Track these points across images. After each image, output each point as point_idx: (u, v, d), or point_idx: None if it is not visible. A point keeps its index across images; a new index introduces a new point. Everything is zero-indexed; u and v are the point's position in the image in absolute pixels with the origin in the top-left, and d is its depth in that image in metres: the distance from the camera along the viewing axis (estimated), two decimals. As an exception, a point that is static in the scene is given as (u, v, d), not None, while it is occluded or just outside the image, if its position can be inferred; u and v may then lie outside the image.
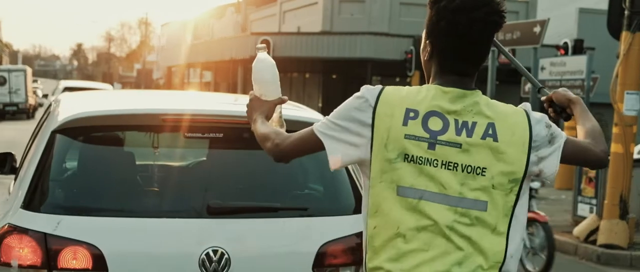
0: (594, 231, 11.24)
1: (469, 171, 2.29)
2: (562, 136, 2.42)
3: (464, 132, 2.32)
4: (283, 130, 2.65)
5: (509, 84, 33.14)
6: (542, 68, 15.79)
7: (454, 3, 2.34)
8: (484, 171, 2.29)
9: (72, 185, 4.01)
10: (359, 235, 3.03)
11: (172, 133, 4.01)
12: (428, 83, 2.52)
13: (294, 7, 42.94)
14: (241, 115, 3.25)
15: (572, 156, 2.46)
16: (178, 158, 4.44)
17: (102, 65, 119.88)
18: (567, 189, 17.39)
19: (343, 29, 35.89)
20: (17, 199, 3.73)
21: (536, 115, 2.43)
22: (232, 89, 43.01)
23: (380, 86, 2.48)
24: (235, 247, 3.63)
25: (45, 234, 3.47)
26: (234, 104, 4.55)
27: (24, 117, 40.13)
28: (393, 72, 35.08)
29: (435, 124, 2.32)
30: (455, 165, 2.30)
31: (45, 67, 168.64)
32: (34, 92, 50.52)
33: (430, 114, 2.34)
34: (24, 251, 3.47)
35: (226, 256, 3.59)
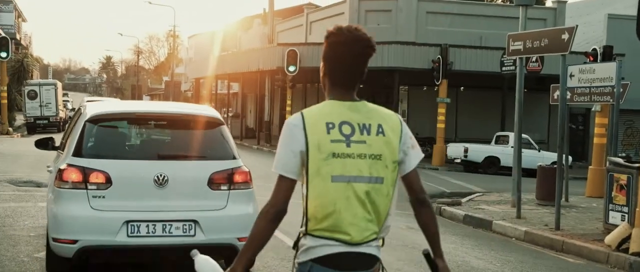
0: (626, 239, 11.12)
1: (372, 158, 3.36)
2: (420, 157, 3.53)
3: (365, 133, 3.38)
4: None
5: (537, 92, 32.97)
6: (571, 75, 15.66)
7: (340, 39, 3.40)
8: (381, 157, 3.37)
9: (95, 145, 7.85)
10: (234, 169, 7.81)
11: (141, 122, 8.38)
12: (325, 92, 3.53)
13: (320, 17, 43.02)
14: (174, 112, 8.42)
15: (413, 176, 3.53)
16: (144, 133, 8.66)
17: (130, 78, 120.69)
18: (598, 197, 17.23)
19: (370, 38, 35.85)
20: (68, 153, 7.72)
21: (404, 123, 3.53)
22: (260, 100, 43.14)
23: (300, 114, 3.38)
24: (170, 173, 7.56)
25: (83, 167, 7.38)
26: (172, 107, 9.40)
27: (54, 130, 40.45)
28: (420, 81, 35.03)
29: (346, 129, 3.36)
30: (365, 155, 3.35)
31: (75, 81, 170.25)
32: (64, 106, 51.06)
33: (342, 123, 3.37)
34: (73, 175, 7.36)
35: (166, 177, 7.52)
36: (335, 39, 3.42)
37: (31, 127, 41.52)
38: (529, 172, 20.97)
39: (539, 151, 28.94)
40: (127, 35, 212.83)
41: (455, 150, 30.30)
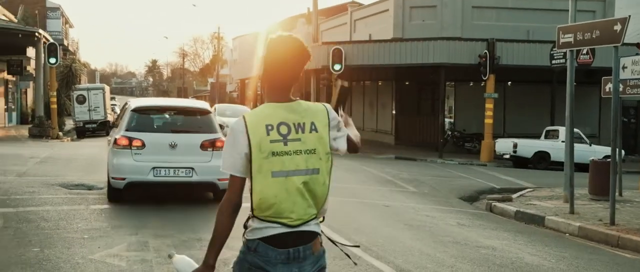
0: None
1: (307, 152, 3.77)
2: (345, 134, 3.97)
3: (300, 131, 3.78)
4: None
5: (587, 85, 32.50)
6: (624, 67, 15.37)
7: (276, 47, 3.83)
8: (315, 151, 3.79)
9: (135, 124, 13.28)
10: (216, 139, 13.26)
11: (161, 111, 14.31)
12: (264, 94, 4.00)
13: (364, 15, 42.91)
14: (181, 105, 15.02)
15: (348, 144, 3.98)
16: (163, 117, 14.13)
17: (176, 81, 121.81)
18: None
19: (415, 35, 35.67)
20: (120, 129, 13.43)
21: (331, 109, 3.92)
22: (305, 98, 42.92)
23: (242, 119, 3.79)
24: (178, 140, 13.09)
25: (129, 136, 12.99)
26: (180, 102, 16.38)
27: (103, 134, 40.84)
28: (467, 76, 34.73)
29: (284, 129, 3.77)
30: (300, 151, 3.76)
31: (121, 85, 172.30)
32: (112, 109, 51.57)
33: (280, 124, 3.77)
34: (123, 141, 12.91)
35: (176, 143, 13.01)
36: (273, 46, 3.86)
37: (80, 131, 41.95)
38: (580, 167, 20.65)
39: (590, 145, 28.51)
40: (171, 36, 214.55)
41: (504, 146, 29.96)
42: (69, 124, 45.15)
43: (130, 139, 12.86)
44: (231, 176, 3.82)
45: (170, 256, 4.08)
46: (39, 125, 35.16)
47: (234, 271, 3.91)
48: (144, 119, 13.60)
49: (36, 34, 34.80)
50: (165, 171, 12.84)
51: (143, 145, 12.85)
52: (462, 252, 10.40)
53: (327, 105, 3.97)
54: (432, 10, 37.43)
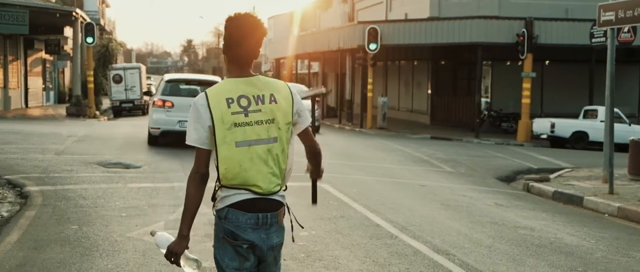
0: None
1: (268, 122, 4.02)
2: (308, 118, 4.26)
3: (260, 103, 4.03)
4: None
5: (626, 64, 32.02)
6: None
7: (235, 23, 4.05)
8: (274, 120, 4.03)
9: (168, 91, 19.85)
10: None
11: (186, 82, 21.48)
12: (226, 70, 4.26)
13: (400, -6, 42.58)
14: (199, 78, 22.32)
15: (307, 133, 4.26)
16: (187, 86, 21.03)
17: (211, 60, 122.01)
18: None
19: (451, 14, 35.35)
20: (157, 93, 20.30)
21: (294, 91, 4.19)
22: (341, 79, 43.06)
23: (204, 94, 4.01)
24: None
25: (162, 99, 19.38)
26: (199, 76, 24.29)
27: (139, 113, 41.05)
28: (504, 56, 34.41)
29: (244, 102, 4.01)
30: (261, 121, 4.00)
31: (157, 64, 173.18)
32: (149, 89, 51.86)
33: (240, 97, 4.01)
34: (159, 102, 19.41)
35: None
36: (231, 23, 4.07)
37: (117, 111, 42.23)
38: (619, 147, 20.36)
39: (630, 125, 28.13)
40: (206, 16, 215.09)
41: (541, 125, 29.65)
42: (106, 103, 45.52)
43: (164, 101, 19.14)
44: (197, 148, 4.04)
45: (152, 234, 4.27)
46: (77, 105, 35.52)
47: (214, 247, 4.16)
48: (173, 86, 20.13)
49: (74, 13, 35.06)
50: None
51: (172, 105, 19.00)
52: (500, 233, 10.30)
53: (291, 85, 4.30)
54: (469, -12, 37.03)
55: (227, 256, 4.05)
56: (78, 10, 36.18)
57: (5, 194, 11.87)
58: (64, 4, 48.83)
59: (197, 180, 4.07)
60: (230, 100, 3.99)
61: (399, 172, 17.48)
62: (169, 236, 4.14)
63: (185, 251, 4.06)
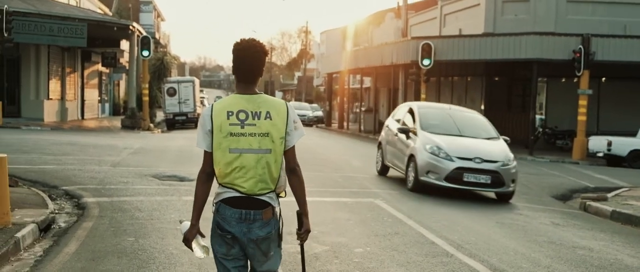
0: None
1: (261, 135, 4.60)
2: (301, 135, 4.78)
3: (256, 118, 4.62)
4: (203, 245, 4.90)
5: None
6: None
7: (239, 47, 4.69)
8: (268, 135, 4.61)
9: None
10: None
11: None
12: (235, 87, 4.85)
13: (455, 9, 42.34)
14: None
15: (290, 151, 4.74)
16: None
17: (263, 75, 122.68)
18: None
19: (506, 29, 35.00)
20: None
21: (292, 108, 4.76)
22: (393, 94, 42.93)
23: (211, 106, 4.72)
24: None
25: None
26: None
27: (192, 125, 41.37)
28: (560, 72, 33.93)
29: (242, 115, 4.61)
30: (255, 134, 4.59)
31: (210, 78, 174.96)
32: (201, 102, 52.27)
33: (239, 111, 4.62)
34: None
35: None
36: (236, 47, 4.69)
37: (170, 123, 42.63)
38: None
39: (690, 144, 27.50)
40: (259, 30, 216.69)
41: (597, 143, 29.12)
42: (160, 116, 46.02)
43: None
44: (204, 151, 4.71)
45: (180, 222, 5.00)
46: (131, 117, 35.97)
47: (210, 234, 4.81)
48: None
49: (130, 27, 35.57)
50: None
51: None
52: (558, 253, 10.12)
53: (290, 105, 4.80)
54: (525, 4, 36.63)
55: (216, 242, 4.75)
56: (135, 24, 36.69)
57: (62, 205, 12.05)
58: (121, 17, 49.62)
59: (203, 178, 4.77)
60: (230, 113, 4.62)
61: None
62: (188, 225, 4.85)
63: (199, 237, 4.81)
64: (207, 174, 4.74)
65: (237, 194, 4.63)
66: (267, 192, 4.67)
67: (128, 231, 9.87)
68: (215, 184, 4.76)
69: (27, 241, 9.07)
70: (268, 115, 4.63)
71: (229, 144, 4.60)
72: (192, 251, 4.86)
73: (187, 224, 4.86)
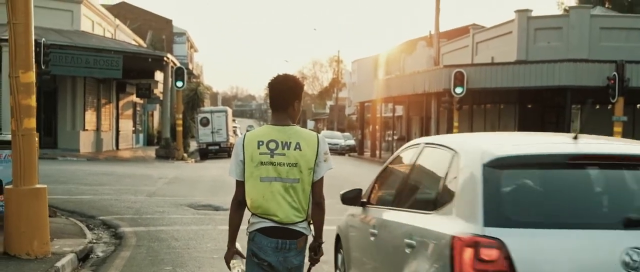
0: None
1: (290, 165, 4.75)
2: (329, 167, 4.88)
3: (286, 148, 4.77)
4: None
5: None
6: None
7: (274, 81, 4.92)
8: (296, 165, 4.75)
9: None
10: None
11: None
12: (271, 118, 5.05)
13: (486, 37, 42.34)
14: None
15: (318, 183, 4.87)
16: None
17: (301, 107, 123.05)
18: None
19: (539, 57, 34.89)
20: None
21: (323, 141, 4.90)
22: (426, 122, 42.88)
23: (243, 136, 4.90)
24: None
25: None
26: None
27: (225, 155, 41.47)
28: (593, 98, 33.68)
29: (272, 145, 4.77)
30: (283, 164, 4.74)
31: (242, 107, 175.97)
32: (234, 132, 52.52)
33: (269, 141, 4.79)
34: None
35: None
36: (272, 82, 4.94)
37: (203, 153, 42.82)
38: None
39: None
40: (291, 60, 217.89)
41: (633, 171, 28.78)
42: (193, 145, 46.34)
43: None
44: (236, 180, 4.88)
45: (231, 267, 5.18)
46: (165, 147, 36.28)
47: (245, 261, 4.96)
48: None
49: (165, 58, 36.03)
50: None
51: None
52: None
53: (321, 137, 4.93)
54: (557, 31, 36.54)
55: (252, 269, 4.87)
56: (169, 55, 37.17)
57: (100, 235, 12.18)
58: (155, 49, 50.22)
59: (235, 205, 4.95)
60: (260, 143, 4.79)
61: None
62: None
63: (238, 258, 5.04)
64: (239, 201, 4.91)
65: (272, 224, 4.77)
66: (300, 221, 4.82)
67: (165, 260, 9.95)
68: (247, 212, 4.95)
69: (66, 270, 9.18)
70: (298, 146, 4.78)
71: (260, 173, 4.75)
72: (229, 269, 5.11)
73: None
